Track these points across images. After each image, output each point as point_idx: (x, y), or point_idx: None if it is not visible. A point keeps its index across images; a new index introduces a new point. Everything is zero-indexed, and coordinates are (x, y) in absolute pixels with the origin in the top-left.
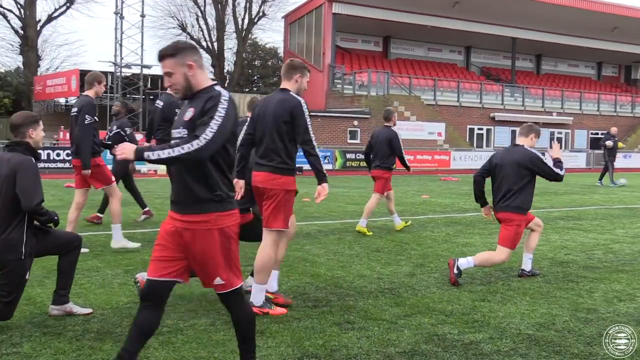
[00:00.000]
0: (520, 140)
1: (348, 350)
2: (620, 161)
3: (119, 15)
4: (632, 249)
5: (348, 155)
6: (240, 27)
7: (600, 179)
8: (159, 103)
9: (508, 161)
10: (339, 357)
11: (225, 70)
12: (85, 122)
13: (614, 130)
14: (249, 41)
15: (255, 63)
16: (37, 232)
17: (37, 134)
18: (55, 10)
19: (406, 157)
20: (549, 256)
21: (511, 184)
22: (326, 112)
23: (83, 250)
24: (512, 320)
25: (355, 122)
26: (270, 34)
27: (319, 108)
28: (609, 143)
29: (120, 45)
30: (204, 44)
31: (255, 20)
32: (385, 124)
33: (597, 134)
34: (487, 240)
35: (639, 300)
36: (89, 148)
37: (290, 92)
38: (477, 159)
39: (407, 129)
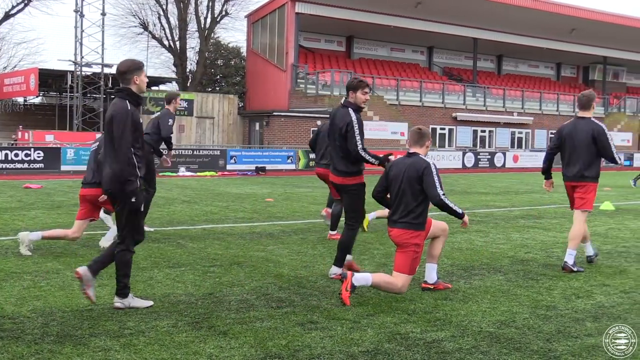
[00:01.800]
0: None
1: (311, 350)
2: None
3: (79, 13)
4: None
5: (311, 155)
6: (202, 26)
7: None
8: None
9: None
10: (302, 357)
11: (187, 70)
12: (169, 125)
13: None
14: (212, 40)
15: (218, 62)
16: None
17: (141, 80)
18: (13, 7)
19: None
20: (509, 254)
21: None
22: (289, 111)
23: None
24: (473, 319)
25: (319, 122)
26: (233, 33)
27: (282, 108)
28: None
29: (81, 44)
30: (165, 43)
31: (218, 20)
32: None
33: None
34: (450, 240)
35: (596, 296)
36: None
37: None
38: (439, 159)
39: (370, 129)
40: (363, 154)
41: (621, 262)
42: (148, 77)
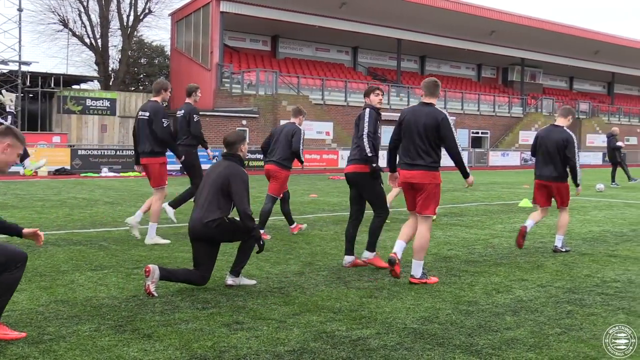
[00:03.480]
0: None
1: (237, 350)
2: (498, 159)
3: None
4: (509, 243)
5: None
6: (125, 24)
7: (630, 179)
8: (180, 112)
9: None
10: (228, 358)
11: (110, 69)
12: (164, 125)
13: (615, 130)
14: (135, 39)
15: (142, 61)
16: None
17: (244, 148)
18: None
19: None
20: (433, 252)
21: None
22: (214, 111)
23: None
24: (398, 315)
25: (244, 122)
26: (157, 32)
27: (207, 107)
28: (621, 144)
29: None
30: (87, 40)
31: (141, 17)
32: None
33: (478, 133)
34: None
35: (515, 291)
36: (174, 144)
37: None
38: None
39: None
40: (365, 140)
41: (539, 257)
42: (68, 75)
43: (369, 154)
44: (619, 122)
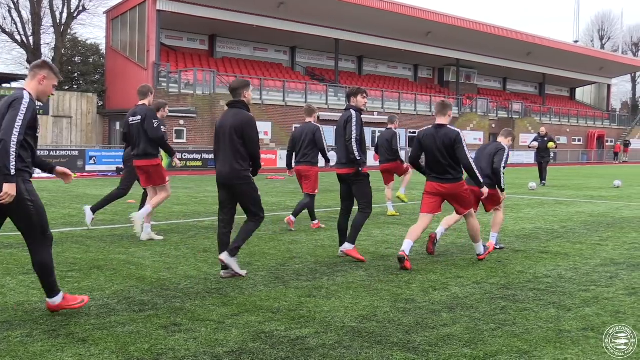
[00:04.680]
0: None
1: (175, 353)
2: None
3: None
4: (445, 241)
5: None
6: (58, 21)
7: (543, 180)
8: (136, 117)
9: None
10: None
11: None
12: (155, 126)
13: (542, 130)
14: (69, 36)
15: (76, 60)
16: None
17: (249, 95)
18: None
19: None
20: (371, 250)
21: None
22: None
23: None
24: (336, 314)
25: (181, 122)
26: (92, 30)
27: None
28: (534, 144)
29: None
30: (18, 38)
31: (75, 15)
32: (389, 126)
33: (415, 132)
34: (312, 237)
35: (451, 288)
36: (166, 143)
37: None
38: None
39: None
40: (354, 144)
41: (474, 254)
42: None
43: (357, 158)
44: (550, 122)
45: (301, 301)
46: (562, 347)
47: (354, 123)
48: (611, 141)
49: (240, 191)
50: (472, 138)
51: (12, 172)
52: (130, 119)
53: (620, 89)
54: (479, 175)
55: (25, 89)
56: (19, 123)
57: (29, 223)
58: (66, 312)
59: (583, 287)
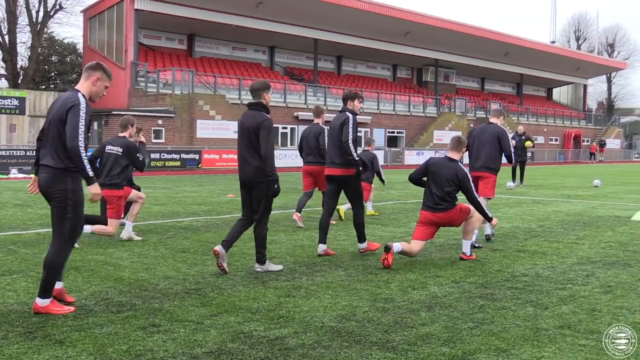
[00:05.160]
0: None
1: (154, 354)
2: (413, 158)
3: None
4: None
5: (153, 155)
6: (34, 20)
7: (521, 180)
8: (115, 147)
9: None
10: None
11: (18, 66)
12: (140, 160)
13: (520, 129)
14: (45, 35)
15: (53, 59)
16: None
17: (268, 97)
18: None
19: (213, 156)
20: (350, 250)
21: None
22: (129, 110)
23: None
24: (315, 314)
25: (160, 121)
26: (69, 29)
27: (121, 107)
28: (512, 142)
29: None
30: None
31: (52, 14)
32: (316, 120)
33: (394, 132)
34: (291, 237)
35: (430, 287)
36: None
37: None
38: (281, 157)
39: (212, 128)
40: (350, 145)
41: (452, 253)
42: None
43: (356, 159)
44: (527, 121)
45: (280, 301)
46: (540, 344)
47: (350, 125)
48: (587, 141)
49: (258, 190)
50: (449, 138)
51: (90, 174)
52: (108, 146)
53: (596, 89)
54: (487, 212)
55: (79, 90)
56: (81, 129)
57: (61, 222)
58: (44, 314)
59: (560, 286)
